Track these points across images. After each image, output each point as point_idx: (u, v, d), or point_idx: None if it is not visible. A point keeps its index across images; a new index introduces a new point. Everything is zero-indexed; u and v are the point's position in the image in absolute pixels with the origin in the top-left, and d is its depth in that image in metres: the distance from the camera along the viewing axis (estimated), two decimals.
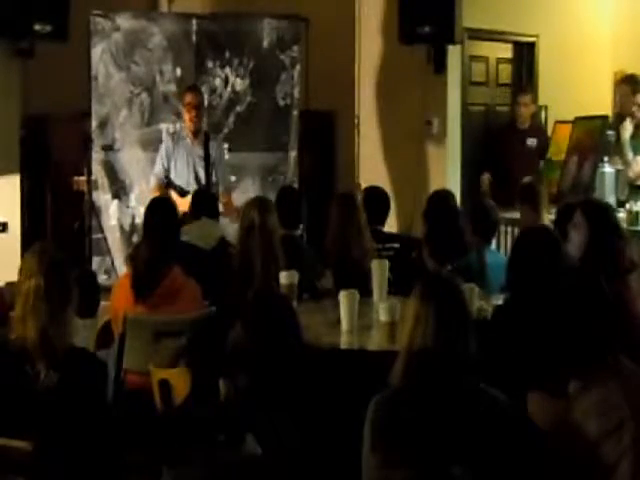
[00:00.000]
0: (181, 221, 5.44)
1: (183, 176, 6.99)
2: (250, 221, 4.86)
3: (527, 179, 6.07)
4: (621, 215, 6.26)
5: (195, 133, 6.97)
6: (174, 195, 6.75)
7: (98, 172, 7.49)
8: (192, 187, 6.87)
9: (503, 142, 7.97)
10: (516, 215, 6.56)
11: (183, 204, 6.30)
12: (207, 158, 6.78)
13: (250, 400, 2.26)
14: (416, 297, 2.87)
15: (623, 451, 2.70)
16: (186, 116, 7.00)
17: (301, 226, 6.20)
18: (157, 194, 6.85)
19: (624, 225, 5.97)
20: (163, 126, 7.38)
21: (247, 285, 4.62)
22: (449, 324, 2.81)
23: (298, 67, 7.72)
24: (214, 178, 6.94)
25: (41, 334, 3.08)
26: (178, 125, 7.33)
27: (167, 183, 6.98)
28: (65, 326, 3.16)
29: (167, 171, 7.01)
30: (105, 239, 7.40)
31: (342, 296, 4.41)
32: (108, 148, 7.56)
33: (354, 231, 5.25)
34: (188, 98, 6.98)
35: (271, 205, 5.01)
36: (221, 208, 6.66)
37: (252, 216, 4.86)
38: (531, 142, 7.87)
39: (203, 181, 6.86)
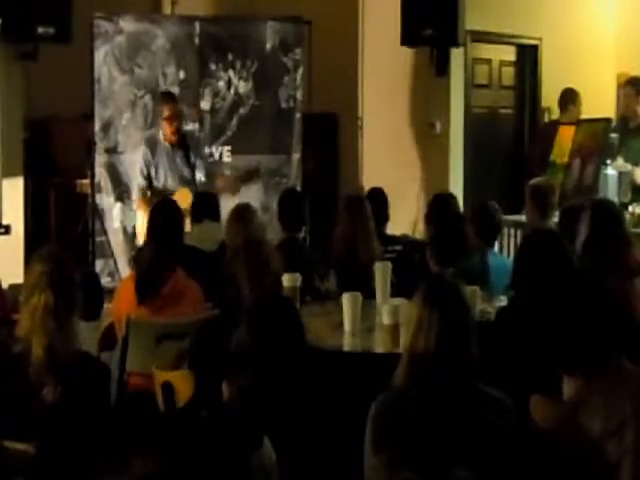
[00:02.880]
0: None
1: (166, 179, 6.93)
2: (235, 245, 4.76)
3: (538, 181, 6.02)
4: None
5: (177, 142, 6.90)
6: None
7: (101, 175, 7.50)
8: (177, 187, 6.86)
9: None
10: (520, 218, 6.56)
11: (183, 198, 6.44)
12: (188, 156, 6.80)
13: (253, 402, 2.26)
14: (418, 300, 2.86)
15: (624, 451, 2.70)
16: (167, 129, 6.86)
17: (304, 229, 6.19)
18: (141, 204, 6.86)
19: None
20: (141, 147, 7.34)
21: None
22: (452, 327, 2.80)
23: (301, 69, 7.73)
24: (198, 175, 6.94)
25: (48, 350, 3.08)
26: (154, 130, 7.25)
27: (150, 190, 6.92)
28: (71, 336, 3.16)
29: (149, 179, 6.93)
30: (108, 242, 7.40)
31: (345, 298, 4.41)
32: (111, 151, 7.57)
33: (362, 234, 5.25)
34: (167, 112, 6.85)
35: (251, 213, 4.91)
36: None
37: (235, 239, 4.78)
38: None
39: (189, 177, 6.87)
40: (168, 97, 7.08)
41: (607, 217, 4.38)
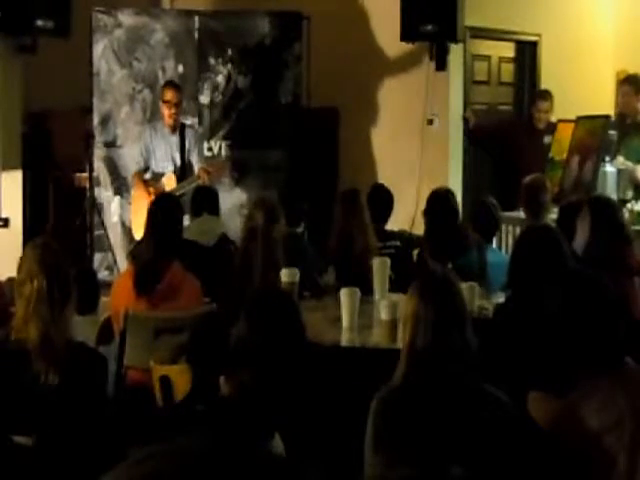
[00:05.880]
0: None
1: (162, 162, 7.06)
2: (254, 225, 4.83)
3: (530, 179, 6.02)
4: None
5: (174, 128, 7.04)
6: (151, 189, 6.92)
7: (100, 168, 7.51)
8: (169, 170, 7.01)
9: (519, 140, 7.88)
10: (518, 214, 6.56)
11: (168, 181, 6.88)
12: (182, 146, 6.96)
13: (254, 398, 2.26)
14: (413, 297, 2.86)
15: (621, 449, 2.71)
16: (165, 112, 7.02)
17: (302, 223, 6.20)
18: (137, 181, 7.06)
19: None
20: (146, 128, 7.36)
21: (247, 284, 4.63)
22: (447, 322, 2.80)
23: (300, 64, 7.72)
24: (191, 161, 7.06)
25: (43, 336, 3.07)
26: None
27: (146, 172, 7.09)
28: (65, 324, 3.16)
29: (146, 161, 7.08)
30: (107, 235, 7.40)
31: (343, 294, 4.41)
32: (110, 144, 7.57)
33: (358, 228, 5.25)
34: (168, 95, 7.00)
35: (279, 212, 4.94)
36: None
37: (257, 221, 4.83)
38: (547, 140, 7.81)
39: (179, 163, 7.00)
40: (171, 83, 7.24)
41: (606, 216, 4.37)
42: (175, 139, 7.01)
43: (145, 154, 7.07)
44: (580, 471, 2.75)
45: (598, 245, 4.26)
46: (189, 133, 7.12)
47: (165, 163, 7.05)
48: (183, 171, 6.96)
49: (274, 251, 4.82)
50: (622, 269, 4.16)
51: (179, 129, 7.02)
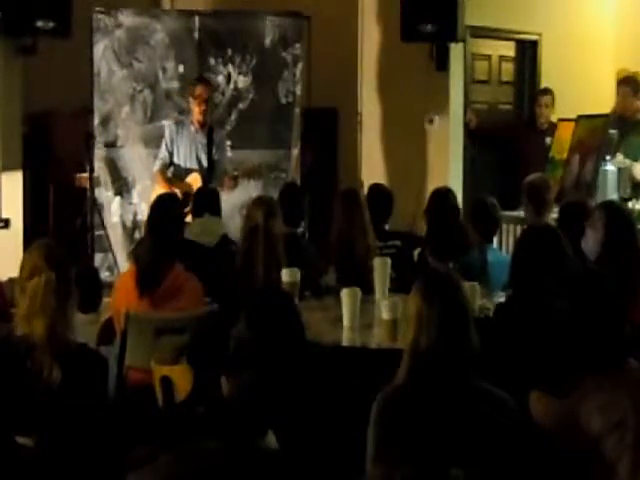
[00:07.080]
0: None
1: (186, 160, 7.09)
2: (254, 223, 4.84)
3: (533, 177, 6.02)
4: None
5: (203, 125, 7.05)
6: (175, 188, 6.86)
7: (100, 169, 7.50)
8: (194, 170, 7.01)
9: (522, 141, 7.89)
10: (518, 214, 6.57)
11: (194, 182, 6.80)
12: (210, 145, 6.93)
13: (254, 398, 2.27)
14: (416, 296, 2.86)
15: (624, 449, 2.71)
16: (195, 109, 7.04)
17: (303, 223, 6.20)
18: (160, 179, 7.03)
19: None
20: (165, 123, 7.38)
21: (249, 284, 4.64)
22: (451, 321, 2.80)
23: (300, 65, 7.73)
24: (218, 163, 7.04)
25: (50, 329, 3.09)
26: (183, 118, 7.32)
27: (170, 167, 7.10)
28: (71, 321, 3.18)
29: (171, 155, 7.10)
30: (107, 236, 7.40)
31: (344, 293, 4.41)
32: (110, 145, 7.57)
33: (358, 228, 5.25)
34: (199, 90, 7.03)
35: (277, 209, 4.95)
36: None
37: (257, 219, 4.84)
38: (549, 141, 7.82)
39: (205, 164, 6.98)
40: (202, 79, 7.25)
41: (622, 229, 4.30)
42: (202, 138, 6.99)
43: (170, 147, 7.08)
44: (582, 471, 2.75)
45: (611, 257, 4.19)
46: (217, 135, 7.11)
47: (189, 162, 7.06)
48: (210, 172, 6.94)
49: (276, 247, 4.83)
50: (635, 277, 4.11)
51: (207, 130, 6.99)
